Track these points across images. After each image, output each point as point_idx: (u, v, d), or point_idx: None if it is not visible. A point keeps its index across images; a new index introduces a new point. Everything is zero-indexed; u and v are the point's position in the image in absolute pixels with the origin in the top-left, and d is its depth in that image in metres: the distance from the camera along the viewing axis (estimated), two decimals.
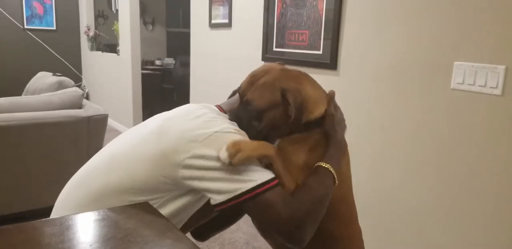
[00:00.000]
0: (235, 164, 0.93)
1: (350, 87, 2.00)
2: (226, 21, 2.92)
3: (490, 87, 1.45)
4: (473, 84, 1.50)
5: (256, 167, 0.98)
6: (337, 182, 1.03)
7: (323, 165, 1.03)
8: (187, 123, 1.02)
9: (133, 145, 1.07)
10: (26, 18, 5.90)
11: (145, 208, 0.99)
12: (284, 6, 2.38)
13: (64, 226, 0.91)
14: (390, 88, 1.82)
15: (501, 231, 1.47)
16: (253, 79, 1.08)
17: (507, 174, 1.44)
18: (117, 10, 5.02)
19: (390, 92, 1.83)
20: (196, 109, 1.08)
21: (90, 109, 2.54)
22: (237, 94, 1.19)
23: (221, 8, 2.97)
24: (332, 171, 1.03)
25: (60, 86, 2.93)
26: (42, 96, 2.58)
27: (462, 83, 1.53)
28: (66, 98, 2.54)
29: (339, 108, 1.16)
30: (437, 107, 1.64)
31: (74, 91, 2.64)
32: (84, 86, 6.34)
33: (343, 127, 1.15)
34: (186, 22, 4.29)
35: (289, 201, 0.96)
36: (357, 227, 1.21)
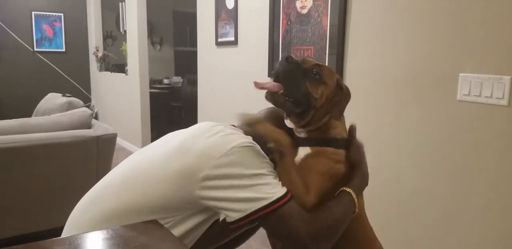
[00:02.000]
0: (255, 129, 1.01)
1: (356, 101, 1.99)
2: (232, 39, 2.96)
3: (497, 98, 1.44)
4: (479, 95, 1.50)
5: (270, 181, 0.99)
6: (357, 210, 1.05)
7: (347, 190, 1.05)
8: (205, 140, 1.03)
9: (151, 164, 1.07)
10: (36, 40, 6.03)
11: (154, 226, 0.99)
12: (289, 23, 2.41)
13: (73, 245, 0.91)
14: (396, 101, 1.82)
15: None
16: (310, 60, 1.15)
17: None
18: (125, 31, 5.12)
19: (396, 105, 1.83)
20: (212, 126, 1.10)
21: (99, 128, 2.57)
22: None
23: (227, 26, 3.02)
24: (355, 198, 1.04)
25: (70, 106, 2.97)
26: (52, 116, 2.61)
27: (468, 95, 1.53)
28: (75, 118, 2.57)
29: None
30: (444, 119, 1.64)
31: (83, 111, 2.67)
32: (93, 106, 6.41)
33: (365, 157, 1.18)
34: (193, 41, 4.35)
35: (304, 215, 0.98)
36: (375, 245, 1.19)
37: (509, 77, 1.41)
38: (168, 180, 1.01)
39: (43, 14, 6.03)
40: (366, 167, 1.16)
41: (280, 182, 1.02)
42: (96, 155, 2.47)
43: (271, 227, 0.99)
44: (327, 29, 2.14)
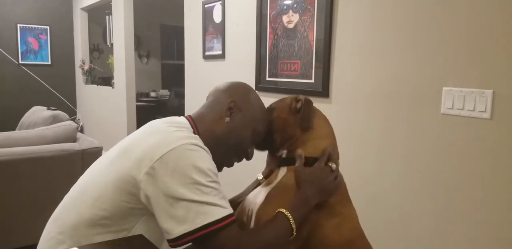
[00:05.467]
0: None
1: (342, 114, 2.02)
2: (220, 52, 2.97)
3: (479, 111, 1.47)
4: (463, 109, 1.52)
5: (209, 199, 0.92)
6: (294, 233, 1.02)
7: (284, 213, 1.03)
8: (145, 142, 0.99)
9: (100, 172, 1.05)
10: (21, 53, 5.98)
11: (139, 241, 0.97)
12: (275, 37, 2.44)
13: None
14: (382, 114, 1.85)
15: None
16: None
17: (497, 196, 1.44)
18: (112, 44, 5.11)
19: (382, 118, 1.85)
20: (156, 124, 1.06)
21: (84, 142, 2.54)
22: (206, 101, 1.22)
23: (215, 40, 3.04)
24: (291, 219, 1.01)
25: (55, 120, 2.94)
26: (36, 130, 2.58)
27: (452, 108, 1.56)
28: (60, 131, 2.54)
29: (332, 168, 1.15)
30: (428, 132, 1.66)
31: (68, 124, 2.65)
32: (79, 119, 6.35)
33: (319, 184, 1.10)
34: (180, 54, 4.37)
35: (239, 242, 0.93)
36: None
37: (491, 91, 1.44)
38: (114, 186, 0.97)
39: (28, 27, 6.00)
40: (311, 193, 1.07)
41: (223, 200, 0.95)
42: (81, 169, 2.44)
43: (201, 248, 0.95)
44: (313, 43, 2.17)
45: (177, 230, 0.91)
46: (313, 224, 1.08)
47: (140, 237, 0.98)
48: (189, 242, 0.92)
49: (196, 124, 1.12)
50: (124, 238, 0.98)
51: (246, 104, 1.16)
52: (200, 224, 0.90)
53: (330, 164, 1.14)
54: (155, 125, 1.07)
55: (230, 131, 1.12)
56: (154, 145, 0.96)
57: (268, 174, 1.23)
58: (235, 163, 1.21)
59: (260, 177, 1.26)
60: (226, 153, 1.13)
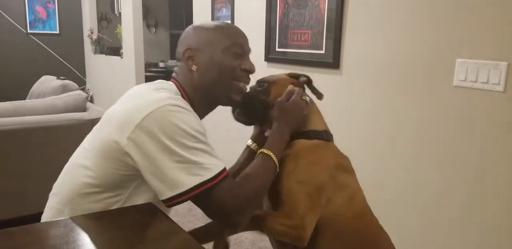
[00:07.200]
0: None
1: (353, 86, 1.99)
2: (229, 22, 2.92)
3: (493, 84, 1.44)
4: (476, 81, 1.49)
5: (200, 160, 0.92)
6: (278, 169, 1.06)
7: (266, 152, 1.05)
8: (125, 106, 0.98)
9: (88, 142, 1.06)
10: (30, 22, 5.93)
11: (149, 209, 0.99)
12: (286, 6, 2.38)
13: (69, 227, 0.91)
14: (393, 86, 1.82)
15: (504, 231, 1.47)
16: None
17: (510, 169, 1.44)
18: (120, 13, 5.05)
19: (392, 90, 1.82)
20: (138, 88, 1.07)
21: (94, 112, 2.55)
22: (179, 62, 1.17)
23: (224, 9, 2.98)
24: (274, 158, 1.05)
25: (64, 89, 2.95)
26: (46, 99, 2.59)
27: (465, 80, 1.53)
28: (70, 101, 2.55)
29: (306, 101, 1.18)
30: (440, 105, 1.64)
31: (78, 94, 2.65)
32: (88, 89, 6.36)
33: (294, 118, 1.13)
34: (189, 24, 4.30)
35: (235, 192, 0.95)
36: (384, 240, 1.18)
37: (505, 63, 1.40)
38: (99, 153, 0.98)
39: None
40: (287, 123, 1.11)
41: (212, 158, 0.95)
42: None
43: (202, 206, 0.96)
44: (325, 12, 2.12)
45: (168, 192, 0.91)
46: (327, 191, 1.08)
47: (149, 205, 1.00)
48: (185, 201, 0.92)
49: (181, 84, 1.11)
50: (133, 206, 1.00)
51: (200, 42, 1.12)
52: (191, 184, 0.90)
53: (304, 98, 1.17)
54: (137, 89, 1.07)
55: (204, 72, 1.10)
56: (133, 108, 0.95)
57: (257, 137, 1.23)
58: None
59: (250, 142, 1.24)
60: (222, 85, 1.11)
